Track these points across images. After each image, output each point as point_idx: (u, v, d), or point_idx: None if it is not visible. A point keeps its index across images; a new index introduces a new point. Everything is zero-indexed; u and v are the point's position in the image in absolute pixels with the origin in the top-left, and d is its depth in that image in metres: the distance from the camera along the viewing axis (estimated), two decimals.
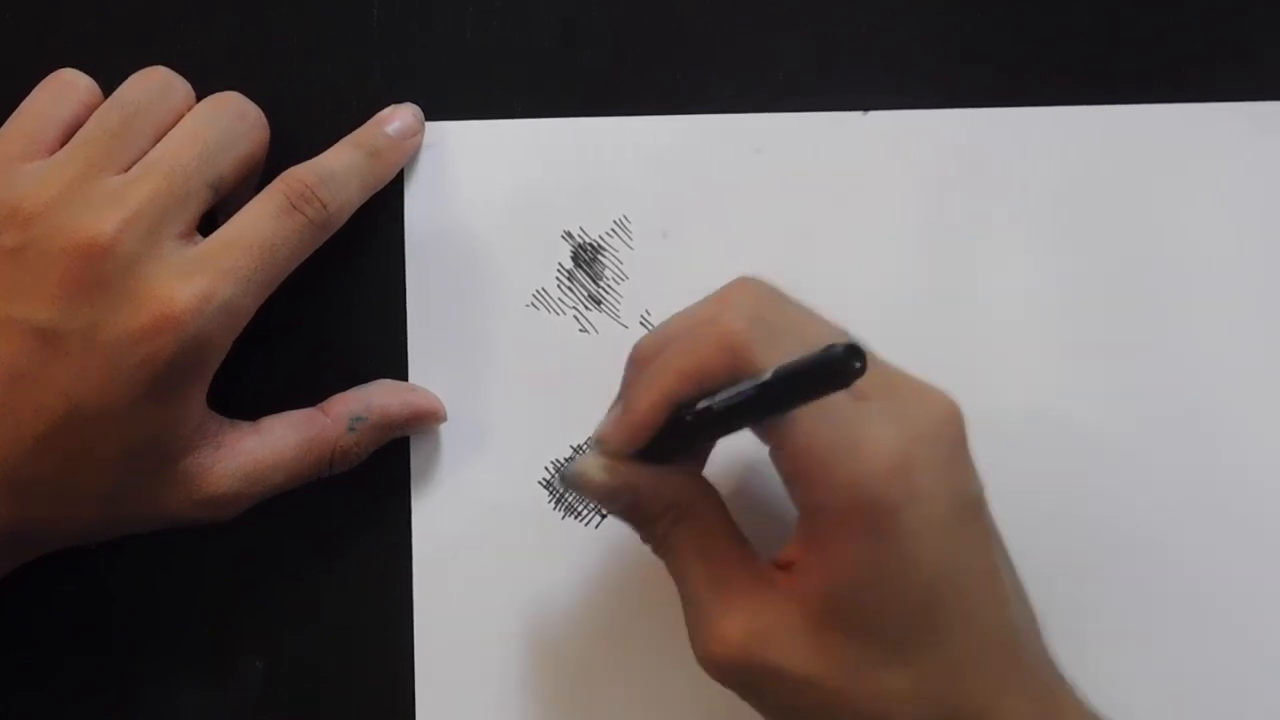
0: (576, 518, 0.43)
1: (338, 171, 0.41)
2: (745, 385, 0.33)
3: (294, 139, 0.42)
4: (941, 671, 0.34)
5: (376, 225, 0.43)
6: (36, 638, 0.43)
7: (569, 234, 0.44)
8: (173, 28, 0.44)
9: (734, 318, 0.34)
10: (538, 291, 0.44)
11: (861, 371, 0.29)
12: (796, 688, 0.34)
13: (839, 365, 0.30)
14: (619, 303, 0.44)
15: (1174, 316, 0.44)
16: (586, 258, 0.44)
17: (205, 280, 0.37)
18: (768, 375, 0.32)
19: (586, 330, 0.44)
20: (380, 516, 0.44)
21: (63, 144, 0.39)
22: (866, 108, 0.44)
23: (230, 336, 0.38)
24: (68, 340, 0.37)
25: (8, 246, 0.37)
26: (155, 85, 0.40)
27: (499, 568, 0.43)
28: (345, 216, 0.41)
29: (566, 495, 0.43)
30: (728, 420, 0.34)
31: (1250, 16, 0.45)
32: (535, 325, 0.44)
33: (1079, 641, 0.40)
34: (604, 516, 0.43)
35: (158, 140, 0.39)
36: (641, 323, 0.44)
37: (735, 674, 0.35)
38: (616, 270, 0.44)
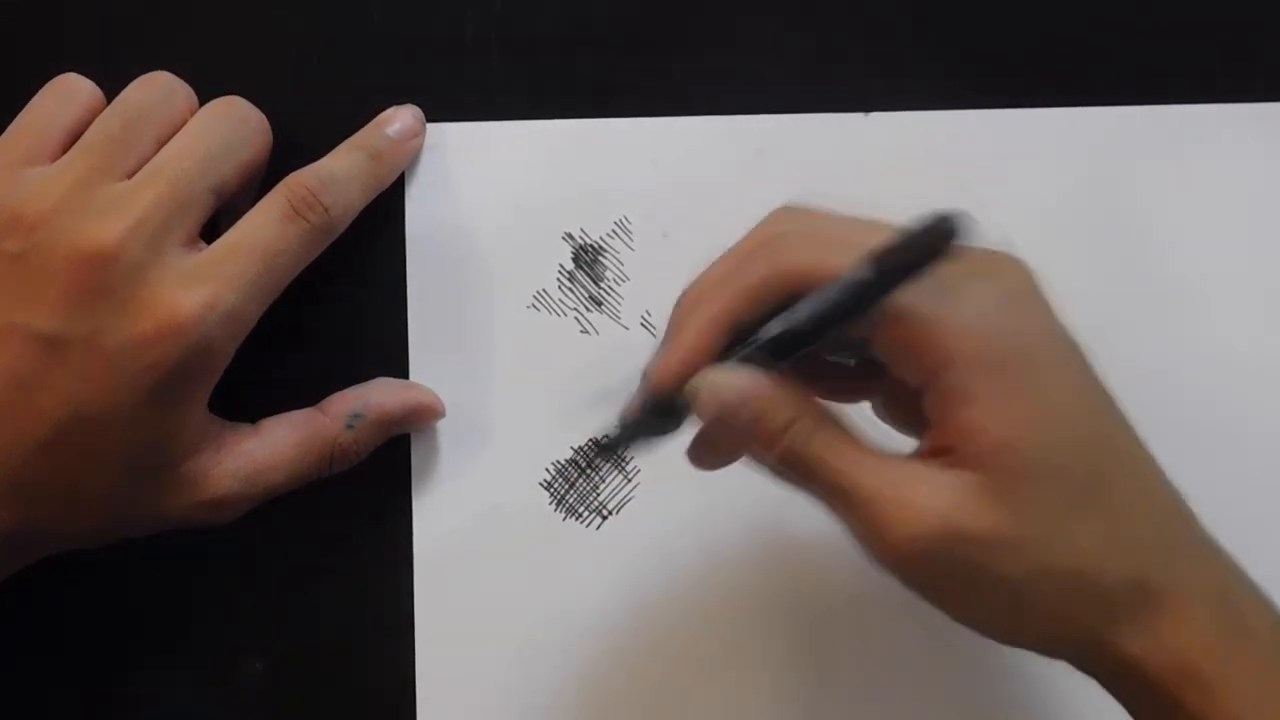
0: (577, 518, 0.43)
1: (339, 175, 0.41)
2: (836, 284, 0.32)
3: (295, 141, 0.42)
4: (1128, 520, 0.32)
5: (378, 227, 0.43)
6: (37, 639, 0.43)
7: (570, 235, 0.44)
8: (175, 32, 0.44)
9: (786, 239, 0.33)
10: (538, 293, 0.44)
11: (960, 234, 0.31)
12: (997, 556, 0.32)
13: (949, 231, 0.31)
14: (620, 304, 0.44)
15: (1173, 316, 0.44)
16: (587, 259, 0.44)
17: (209, 288, 0.37)
18: (866, 265, 0.31)
19: (587, 331, 0.44)
20: (380, 516, 0.44)
21: (66, 149, 0.39)
22: (867, 108, 0.44)
23: (234, 343, 0.38)
24: (71, 347, 0.37)
25: (10, 252, 0.37)
26: (158, 90, 0.40)
27: (499, 568, 0.43)
28: (348, 220, 0.41)
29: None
30: (823, 326, 0.32)
31: (1250, 16, 0.45)
32: (536, 326, 0.44)
33: None
34: (605, 518, 0.43)
35: (160, 145, 0.39)
36: (642, 324, 0.44)
37: (933, 554, 0.32)
38: (617, 271, 0.44)
